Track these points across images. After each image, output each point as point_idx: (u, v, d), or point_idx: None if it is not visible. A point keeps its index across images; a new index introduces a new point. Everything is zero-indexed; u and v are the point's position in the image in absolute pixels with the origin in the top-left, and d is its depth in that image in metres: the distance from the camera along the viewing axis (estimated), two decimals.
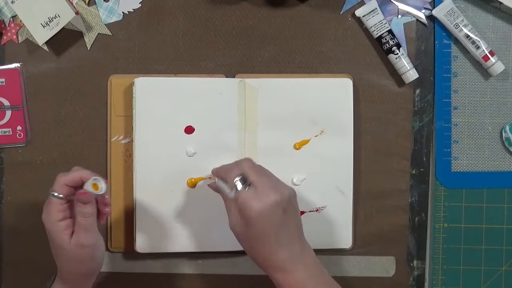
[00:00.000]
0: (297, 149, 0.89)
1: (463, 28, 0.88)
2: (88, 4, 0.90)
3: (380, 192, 0.91)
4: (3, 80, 0.89)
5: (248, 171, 0.75)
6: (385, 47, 0.89)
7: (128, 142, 0.89)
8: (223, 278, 0.91)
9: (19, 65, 0.90)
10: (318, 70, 0.91)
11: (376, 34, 0.89)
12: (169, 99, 0.87)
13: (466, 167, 0.92)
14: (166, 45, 0.90)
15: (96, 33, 0.90)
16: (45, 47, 0.90)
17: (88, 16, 0.90)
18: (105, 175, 0.90)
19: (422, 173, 0.91)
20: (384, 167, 0.91)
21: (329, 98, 0.89)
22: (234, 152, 0.88)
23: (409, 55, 0.90)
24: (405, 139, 0.91)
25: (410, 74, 0.89)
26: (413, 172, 0.91)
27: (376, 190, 0.91)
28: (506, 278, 0.92)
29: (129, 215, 0.89)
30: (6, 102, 0.90)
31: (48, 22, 0.85)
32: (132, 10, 0.90)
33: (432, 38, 0.91)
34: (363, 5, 0.90)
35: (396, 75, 0.90)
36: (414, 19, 0.91)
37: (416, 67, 0.89)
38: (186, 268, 0.91)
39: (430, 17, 0.90)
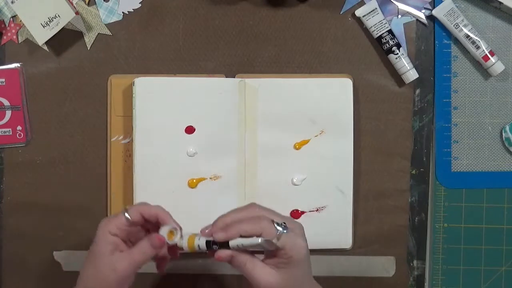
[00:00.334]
0: (297, 149, 0.89)
1: (463, 28, 0.88)
2: (88, 4, 0.90)
3: (380, 192, 0.91)
4: (3, 80, 0.89)
5: (269, 215, 0.72)
6: (385, 47, 0.89)
7: (128, 142, 0.89)
8: (223, 278, 0.91)
9: (19, 65, 0.90)
10: (318, 70, 0.91)
11: (376, 34, 0.89)
12: (169, 99, 0.87)
13: (466, 167, 0.92)
14: (166, 45, 0.90)
15: (96, 33, 0.90)
16: (45, 47, 0.90)
17: (88, 16, 0.90)
18: (105, 175, 0.90)
19: (422, 173, 0.91)
20: (384, 167, 0.91)
21: (329, 98, 0.89)
22: (234, 152, 0.88)
23: (409, 55, 0.90)
24: (405, 139, 0.91)
25: (410, 74, 0.89)
26: (413, 172, 0.91)
27: (376, 190, 0.91)
28: (506, 278, 0.92)
29: None
30: (6, 102, 0.90)
31: (48, 22, 0.85)
32: (132, 10, 0.90)
33: (432, 38, 0.91)
34: (363, 5, 0.90)
35: (396, 75, 0.90)
36: (414, 19, 0.91)
37: (416, 67, 0.89)
38: (186, 268, 0.91)
39: (430, 17, 0.90)
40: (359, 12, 0.89)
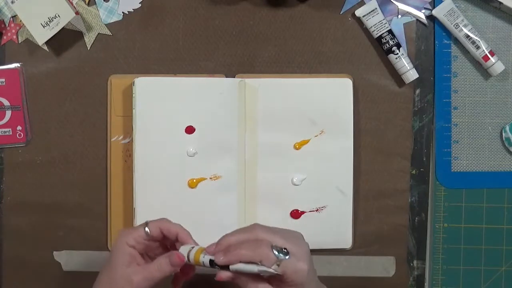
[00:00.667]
0: (297, 149, 0.89)
1: (463, 28, 0.88)
2: (88, 4, 0.90)
3: (380, 192, 0.91)
4: (3, 80, 0.89)
5: (271, 238, 0.70)
6: (385, 47, 0.89)
7: (128, 142, 0.89)
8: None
9: (19, 65, 0.90)
10: (318, 70, 0.91)
11: (376, 34, 0.89)
12: (169, 99, 0.87)
13: (466, 167, 0.92)
14: (166, 45, 0.90)
15: (96, 33, 0.90)
16: (45, 47, 0.90)
17: (88, 16, 0.90)
18: (105, 175, 0.90)
19: (422, 173, 0.91)
20: (384, 167, 0.91)
21: (329, 98, 0.89)
22: (234, 152, 0.88)
23: (409, 55, 0.90)
24: (405, 139, 0.91)
25: (410, 74, 0.89)
26: (413, 172, 0.91)
27: (376, 190, 0.91)
28: (506, 278, 0.92)
29: (129, 215, 0.89)
30: (6, 102, 0.90)
31: (48, 22, 0.85)
32: (132, 10, 0.90)
33: (432, 38, 0.91)
34: (363, 5, 0.90)
35: (396, 75, 0.90)
36: (414, 19, 0.91)
37: (416, 67, 0.89)
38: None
39: (430, 17, 0.90)
40: (359, 12, 0.89)
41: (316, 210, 0.90)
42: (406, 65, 0.88)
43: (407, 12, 0.90)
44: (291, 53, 0.90)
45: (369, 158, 0.91)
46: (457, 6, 0.89)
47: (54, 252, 0.91)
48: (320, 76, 0.90)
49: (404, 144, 0.91)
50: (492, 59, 0.88)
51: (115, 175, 0.89)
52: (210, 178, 0.88)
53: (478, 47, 0.88)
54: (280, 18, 0.90)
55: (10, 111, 0.90)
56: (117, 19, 0.90)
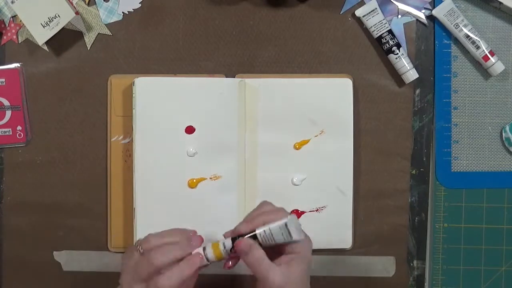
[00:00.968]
0: (297, 149, 0.89)
1: (463, 28, 0.88)
2: (88, 4, 0.90)
3: (380, 192, 0.91)
4: (3, 80, 0.89)
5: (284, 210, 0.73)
6: (385, 47, 0.89)
7: (128, 142, 0.89)
8: (223, 278, 0.91)
9: (19, 65, 0.90)
10: (318, 70, 0.91)
11: (376, 34, 0.89)
12: (169, 99, 0.87)
13: (466, 167, 0.92)
14: (166, 45, 0.90)
15: (96, 33, 0.90)
16: (45, 47, 0.90)
17: (88, 16, 0.90)
18: (105, 175, 0.90)
19: (422, 173, 0.91)
20: (384, 167, 0.91)
21: (329, 98, 0.89)
22: (234, 152, 0.88)
23: (409, 55, 0.90)
24: (405, 139, 0.91)
25: (410, 74, 0.89)
26: (413, 172, 0.91)
27: (376, 190, 0.91)
28: (506, 278, 0.92)
29: (129, 215, 0.89)
30: (6, 102, 0.90)
31: (48, 22, 0.85)
32: (132, 10, 0.90)
33: (432, 38, 0.91)
34: (363, 5, 0.90)
35: (396, 75, 0.90)
36: (414, 19, 0.91)
37: (416, 67, 0.89)
38: None
39: (430, 17, 0.90)
40: (359, 12, 0.89)
41: (316, 210, 0.90)
42: (406, 65, 0.88)
43: (407, 12, 0.90)
44: (291, 53, 0.90)
45: (369, 158, 0.91)
46: (457, 6, 0.89)
47: (54, 252, 0.91)
48: (320, 76, 0.90)
49: (404, 144, 0.91)
50: (492, 59, 0.88)
51: (115, 175, 0.89)
52: (210, 178, 0.88)
53: (478, 47, 0.88)
54: (280, 18, 0.90)
55: (10, 111, 0.90)
56: (117, 19, 0.90)
